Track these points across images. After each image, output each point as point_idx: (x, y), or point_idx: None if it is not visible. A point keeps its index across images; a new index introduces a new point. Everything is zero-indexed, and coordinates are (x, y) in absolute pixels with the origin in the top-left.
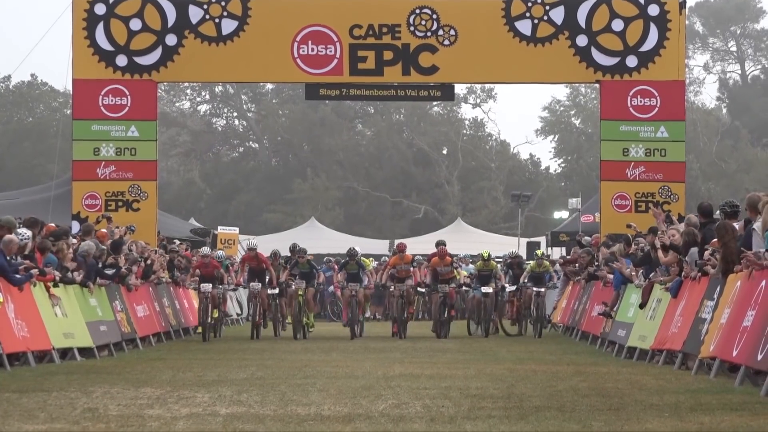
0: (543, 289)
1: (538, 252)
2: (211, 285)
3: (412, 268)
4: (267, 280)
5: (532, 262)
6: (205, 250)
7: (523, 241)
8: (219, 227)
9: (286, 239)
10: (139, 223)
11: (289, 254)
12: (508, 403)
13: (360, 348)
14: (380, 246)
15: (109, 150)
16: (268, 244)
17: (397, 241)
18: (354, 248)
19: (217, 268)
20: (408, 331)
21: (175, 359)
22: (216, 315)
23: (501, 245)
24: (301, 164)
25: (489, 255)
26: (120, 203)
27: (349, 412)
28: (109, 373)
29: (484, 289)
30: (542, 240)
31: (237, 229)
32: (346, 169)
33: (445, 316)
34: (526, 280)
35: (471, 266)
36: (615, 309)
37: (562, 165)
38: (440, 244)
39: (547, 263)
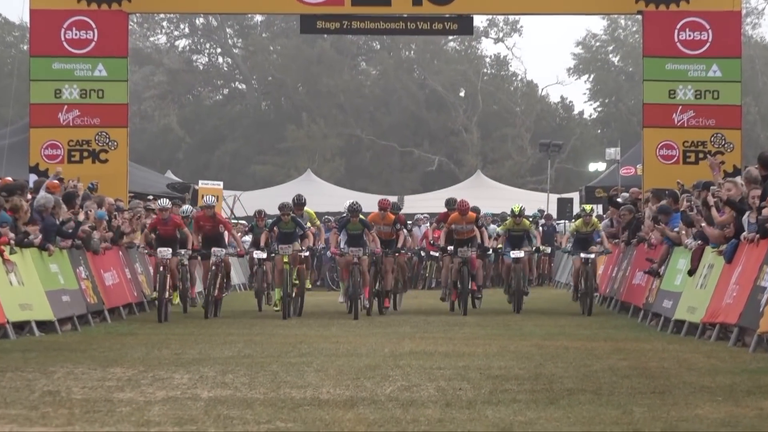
0: (593, 255)
1: (587, 207)
2: (169, 250)
3: (397, 231)
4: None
5: (577, 221)
6: (186, 208)
7: (553, 197)
8: (200, 181)
9: (278, 195)
10: (108, 177)
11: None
12: (535, 385)
13: (363, 322)
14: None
15: (72, 92)
16: (256, 201)
17: (398, 199)
18: (357, 203)
19: (179, 227)
20: (420, 301)
21: (149, 334)
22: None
23: (527, 202)
24: (296, 108)
25: (522, 210)
26: (85, 153)
27: (352, 396)
28: (73, 351)
29: (515, 254)
30: (575, 196)
31: (221, 183)
32: (347, 113)
33: (468, 288)
34: (570, 243)
35: (493, 226)
36: (664, 267)
37: (599, 109)
38: (452, 203)
39: (596, 221)
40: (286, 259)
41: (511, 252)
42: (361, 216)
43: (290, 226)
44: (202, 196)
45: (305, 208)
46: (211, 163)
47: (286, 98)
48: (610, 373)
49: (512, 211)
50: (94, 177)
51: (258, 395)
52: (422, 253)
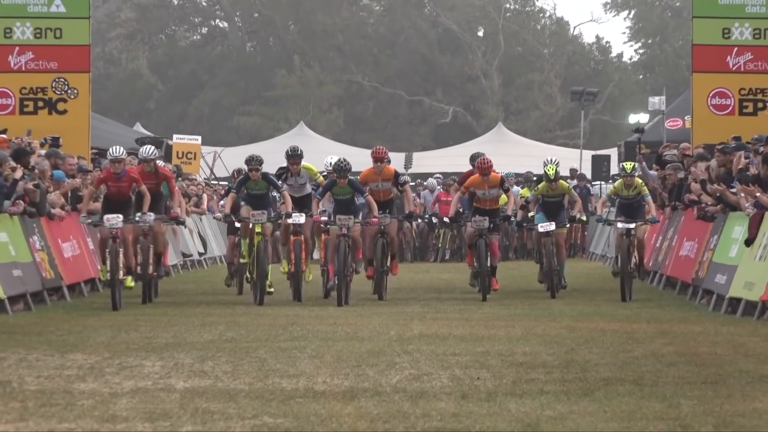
0: (642, 224)
1: (627, 165)
2: (120, 218)
3: (398, 189)
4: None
5: (616, 183)
6: (146, 149)
7: (587, 154)
8: (174, 136)
9: (266, 151)
10: (67, 131)
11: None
12: (566, 374)
13: (365, 298)
14: (393, 161)
15: (25, 31)
16: (240, 160)
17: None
18: (344, 160)
19: (135, 184)
20: (431, 276)
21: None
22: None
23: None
24: (286, 50)
25: (557, 171)
26: (40, 103)
27: (351, 386)
28: (26, 334)
29: (543, 227)
30: (612, 153)
31: (199, 138)
32: (346, 56)
33: (488, 265)
34: (607, 209)
35: (516, 188)
36: (717, 236)
37: (640, 51)
38: (477, 157)
39: (640, 182)
40: (258, 229)
41: (540, 225)
42: (351, 177)
43: (261, 186)
44: (178, 153)
45: (303, 162)
46: (187, 114)
47: (275, 38)
48: (654, 360)
49: (545, 173)
50: (51, 131)
51: (242, 386)
52: (434, 220)
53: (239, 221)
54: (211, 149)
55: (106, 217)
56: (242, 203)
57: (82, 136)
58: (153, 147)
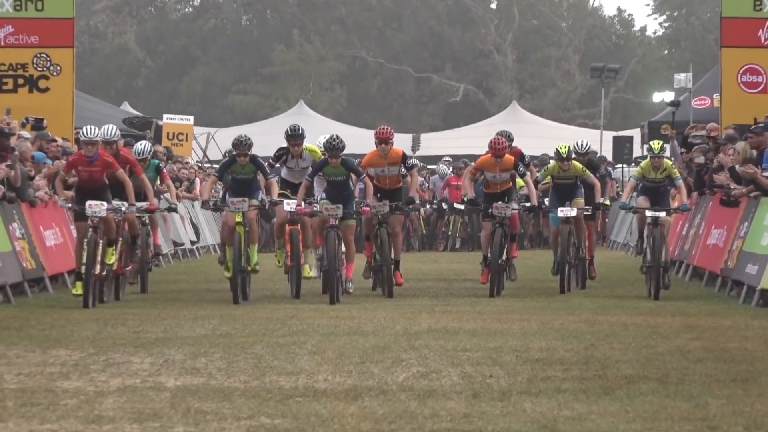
0: (662, 214)
1: (655, 144)
2: (104, 206)
3: (403, 172)
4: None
5: (643, 164)
6: (142, 146)
7: (608, 135)
8: (165, 116)
9: (263, 132)
10: (49, 110)
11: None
12: (585, 371)
13: (370, 290)
14: (400, 142)
15: (4, 3)
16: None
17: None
18: (338, 137)
19: (109, 169)
20: (441, 266)
21: (101, 308)
22: (111, 261)
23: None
24: (285, 24)
25: (569, 150)
26: (20, 81)
27: (355, 385)
28: (6, 328)
29: (563, 212)
30: (635, 134)
31: (191, 118)
32: (349, 30)
33: (503, 258)
34: (634, 194)
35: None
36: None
37: (665, 25)
38: (501, 135)
39: (669, 163)
40: (239, 218)
41: (559, 210)
42: (344, 157)
43: (248, 171)
44: (169, 134)
45: (306, 143)
46: (178, 92)
47: (272, 11)
48: (680, 357)
49: (557, 152)
50: (32, 110)
51: (237, 384)
52: (444, 206)
53: (216, 209)
54: (203, 130)
55: (88, 203)
56: (228, 195)
57: (65, 115)
58: (114, 127)
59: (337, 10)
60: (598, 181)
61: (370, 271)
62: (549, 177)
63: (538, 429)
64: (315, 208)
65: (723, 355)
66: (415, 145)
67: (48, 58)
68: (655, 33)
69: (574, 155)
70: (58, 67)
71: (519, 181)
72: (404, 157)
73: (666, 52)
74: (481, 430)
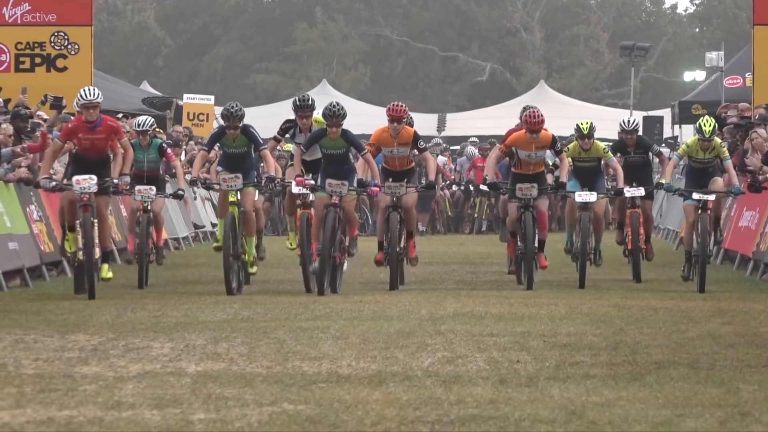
0: (712, 197)
1: (705, 124)
2: (93, 180)
3: (417, 153)
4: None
5: (689, 142)
6: (144, 119)
7: (638, 115)
8: (185, 96)
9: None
10: (67, 90)
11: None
12: (614, 356)
13: (376, 289)
14: (425, 122)
15: None
16: (259, 121)
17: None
18: (338, 104)
19: (115, 136)
20: (466, 249)
21: (120, 292)
22: (72, 250)
23: (604, 122)
24: (308, 1)
25: (590, 127)
26: (38, 60)
27: (379, 370)
28: (23, 312)
29: (581, 197)
30: (665, 114)
31: (212, 98)
32: (373, 8)
33: (534, 245)
34: (675, 178)
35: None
36: None
37: (697, 2)
38: (529, 108)
39: (719, 142)
40: (232, 198)
41: (577, 194)
42: (345, 128)
43: (240, 143)
44: (189, 115)
45: (315, 115)
46: (199, 71)
47: None
48: (710, 342)
49: (578, 129)
50: (50, 89)
51: (259, 369)
52: (471, 188)
53: (207, 187)
54: None
55: (75, 178)
56: (218, 169)
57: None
58: (96, 90)
59: None
60: (659, 158)
61: (517, 265)
62: (570, 159)
63: (566, 415)
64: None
65: (755, 340)
66: (441, 126)
67: (66, 37)
68: (686, 10)
69: (595, 131)
70: (77, 46)
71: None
72: (416, 138)
73: (697, 30)
74: (508, 416)
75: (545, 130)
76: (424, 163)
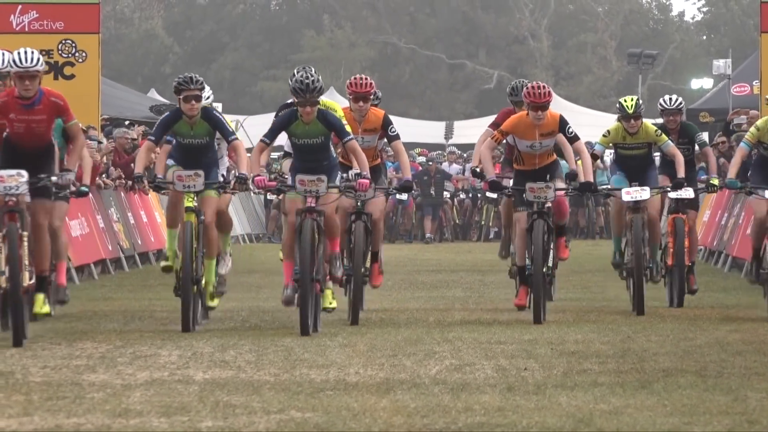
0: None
1: None
2: (23, 176)
3: (391, 139)
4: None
5: (759, 122)
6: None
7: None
8: None
9: None
10: (75, 97)
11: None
12: (622, 364)
13: (402, 281)
14: (432, 130)
15: None
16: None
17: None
18: (311, 75)
19: (61, 117)
20: (474, 256)
21: (128, 299)
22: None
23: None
24: (315, 9)
25: (636, 104)
26: (45, 67)
27: (387, 378)
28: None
29: (629, 194)
30: None
31: (219, 105)
32: (381, 15)
33: (550, 263)
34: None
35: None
36: None
37: (704, 10)
38: (519, 89)
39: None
40: (189, 202)
41: (624, 192)
42: (322, 107)
43: (200, 132)
44: None
45: (324, 99)
46: (206, 78)
47: None
48: (718, 349)
49: (621, 107)
50: None
51: (267, 377)
52: (478, 195)
53: (155, 187)
54: (232, 117)
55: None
56: (168, 162)
57: (91, 103)
58: (35, 53)
59: None
60: (702, 150)
61: (518, 275)
62: (610, 145)
63: (574, 423)
64: (285, 182)
65: (763, 348)
66: (449, 133)
67: (73, 45)
68: (693, 18)
69: (642, 109)
70: (84, 54)
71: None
72: (386, 122)
73: (704, 37)
74: (516, 424)
75: (551, 111)
76: (396, 156)
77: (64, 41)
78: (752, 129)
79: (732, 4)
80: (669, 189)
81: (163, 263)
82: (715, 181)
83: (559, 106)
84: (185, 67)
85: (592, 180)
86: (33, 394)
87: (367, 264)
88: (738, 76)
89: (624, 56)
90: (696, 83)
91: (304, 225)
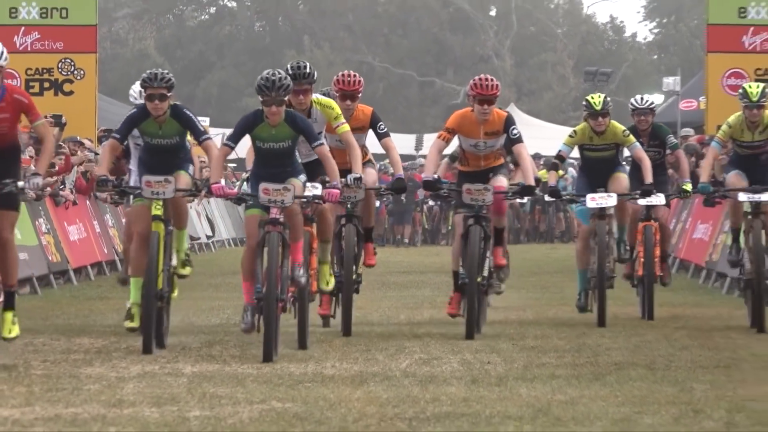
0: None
1: (751, 87)
2: None
3: (380, 136)
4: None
5: (731, 119)
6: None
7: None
8: None
9: None
10: (74, 112)
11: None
12: (578, 358)
13: (375, 282)
14: (403, 142)
15: (30, 11)
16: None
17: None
18: (279, 73)
19: (27, 115)
20: (442, 259)
21: (122, 299)
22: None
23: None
24: (296, 30)
25: (604, 102)
26: (46, 84)
27: (361, 371)
28: (32, 318)
29: (593, 200)
30: None
31: (207, 120)
32: (357, 37)
33: (485, 272)
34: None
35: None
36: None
37: (655, 31)
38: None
39: None
40: (157, 210)
41: (589, 198)
42: (290, 110)
43: (169, 131)
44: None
45: (320, 97)
46: (195, 95)
47: (284, 18)
48: (666, 344)
49: (587, 104)
50: (57, 112)
51: (250, 370)
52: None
53: (122, 193)
54: (220, 131)
55: None
56: (130, 164)
57: (88, 117)
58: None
59: (345, 18)
60: (673, 152)
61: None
62: (571, 146)
63: (533, 412)
64: (243, 190)
65: (707, 343)
66: (419, 145)
67: (72, 63)
68: (645, 39)
69: (610, 107)
70: (82, 72)
71: (542, 173)
72: (374, 119)
73: (655, 57)
74: (480, 414)
75: (499, 109)
76: (387, 153)
77: (63, 60)
78: (723, 127)
79: (681, 26)
80: (638, 195)
81: (127, 323)
82: (688, 187)
83: (521, 120)
84: (177, 85)
85: (534, 184)
86: (34, 385)
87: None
88: (686, 92)
89: (581, 74)
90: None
91: (270, 239)
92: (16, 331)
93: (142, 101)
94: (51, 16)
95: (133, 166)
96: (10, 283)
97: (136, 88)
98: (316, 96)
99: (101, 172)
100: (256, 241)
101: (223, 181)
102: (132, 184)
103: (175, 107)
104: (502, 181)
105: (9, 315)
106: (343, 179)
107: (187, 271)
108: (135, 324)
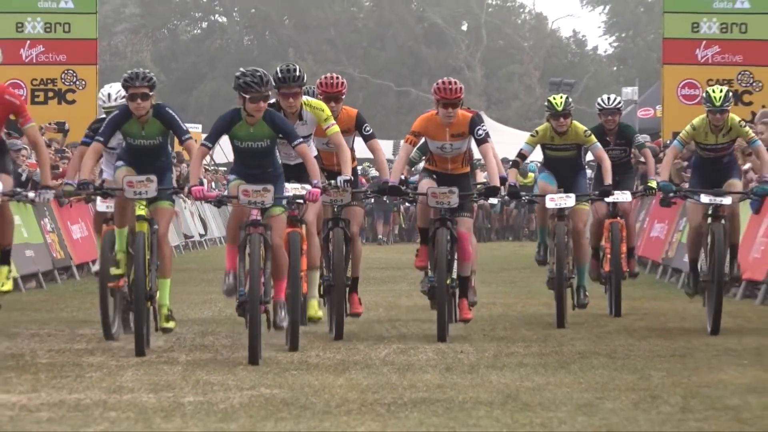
0: (728, 200)
1: (715, 92)
2: None
3: (367, 139)
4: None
5: (695, 121)
6: (110, 88)
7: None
8: None
9: None
10: (75, 119)
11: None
12: (544, 347)
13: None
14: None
15: (35, 26)
16: None
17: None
18: (259, 71)
19: (14, 115)
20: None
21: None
22: (6, 288)
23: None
24: (282, 44)
25: (566, 102)
26: (50, 94)
27: (343, 359)
28: (38, 310)
29: (552, 201)
30: None
31: (199, 127)
32: (338, 50)
33: (453, 278)
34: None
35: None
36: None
37: (614, 44)
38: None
39: (737, 119)
40: (141, 210)
41: (548, 198)
42: (271, 109)
43: (152, 131)
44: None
45: (309, 99)
46: (188, 104)
47: (271, 32)
48: (626, 335)
49: (549, 105)
50: (60, 119)
51: (240, 359)
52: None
53: (104, 194)
54: None
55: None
56: (117, 164)
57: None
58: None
59: (327, 32)
60: (642, 151)
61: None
62: (537, 147)
63: (503, 398)
64: (223, 191)
65: (664, 334)
66: (396, 150)
67: (75, 74)
68: (605, 52)
69: (572, 107)
70: (84, 82)
71: (524, 178)
72: (360, 121)
73: (615, 68)
74: (453, 399)
75: (465, 109)
76: (373, 155)
77: (66, 71)
78: (687, 128)
79: (638, 40)
80: (596, 195)
81: (113, 270)
82: (653, 184)
83: (490, 127)
84: (170, 94)
85: (498, 184)
86: (40, 373)
87: (348, 273)
88: (644, 101)
89: (546, 84)
90: None
91: (252, 241)
92: (9, 285)
93: (111, 104)
94: (55, 30)
95: (104, 166)
96: (6, 243)
97: (104, 91)
98: (305, 98)
99: (84, 177)
100: (238, 238)
101: (206, 183)
102: (107, 182)
103: (158, 107)
104: (466, 224)
105: (5, 269)
106: (332, 181)
107: (171, 324)
108: (121, 271)
